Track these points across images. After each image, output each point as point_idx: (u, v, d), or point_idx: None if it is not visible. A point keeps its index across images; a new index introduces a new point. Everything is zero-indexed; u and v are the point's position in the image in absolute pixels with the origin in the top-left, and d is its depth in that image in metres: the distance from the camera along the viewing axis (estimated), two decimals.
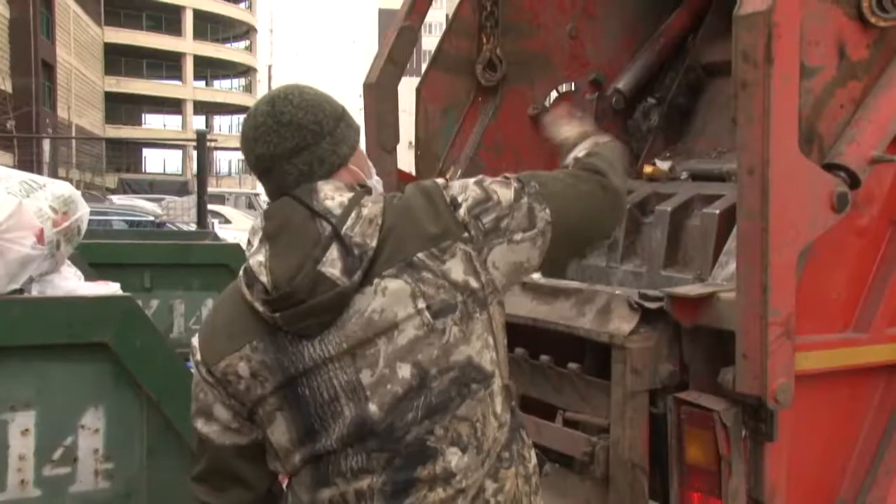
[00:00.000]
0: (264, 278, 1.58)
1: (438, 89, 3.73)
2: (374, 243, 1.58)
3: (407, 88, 3.46)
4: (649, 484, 2.43)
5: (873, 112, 2.24)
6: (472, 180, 1.72)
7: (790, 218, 2.09)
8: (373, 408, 1.58)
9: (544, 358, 2.64)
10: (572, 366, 2.55)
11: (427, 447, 1.59)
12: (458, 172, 3.73)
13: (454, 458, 1.60)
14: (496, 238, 1.65)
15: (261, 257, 1.60)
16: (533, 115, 3.83)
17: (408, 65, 3.69)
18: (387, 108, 3.53)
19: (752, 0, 2.07)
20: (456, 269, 1.61)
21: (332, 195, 1.62)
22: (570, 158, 2.04)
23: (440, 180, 1.73)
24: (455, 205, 1.65)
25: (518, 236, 1.67)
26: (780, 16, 2.02)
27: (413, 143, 3.71)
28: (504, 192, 1.69)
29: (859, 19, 2.27)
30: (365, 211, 1.60)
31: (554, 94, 3.98)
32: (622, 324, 2.36)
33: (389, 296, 1.57)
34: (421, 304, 1.58)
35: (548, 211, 1.70)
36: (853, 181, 2.20)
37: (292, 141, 1.64)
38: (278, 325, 1.59)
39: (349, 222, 1.58)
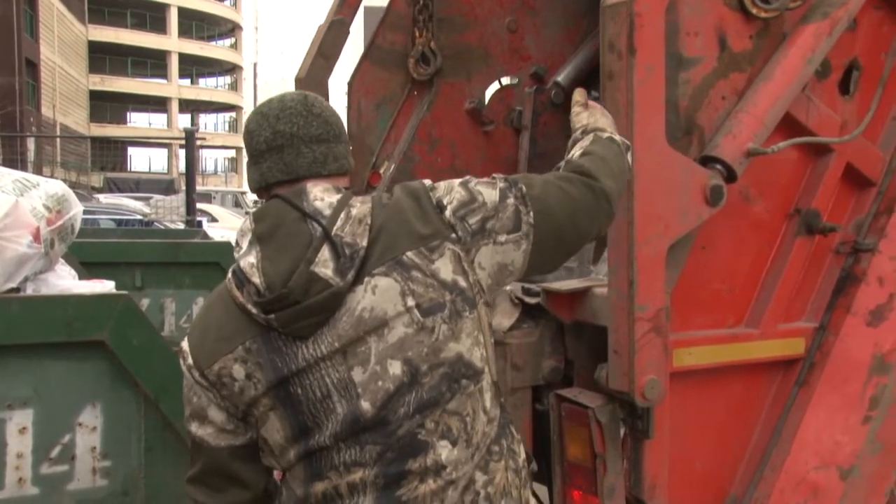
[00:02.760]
0: (257, 280, 1.60)
1: (371, 83, 3.71)
2: (364, 242, 1.60)
3: None
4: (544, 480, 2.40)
5: (751, 104, 2.20)
6: (457, 181, 1.74)
7: (658, 211, 2.06)
8: (365, 405, 1.60)
9: None
10: None
11: (418, 440, 1.62)
12: (392, 167, 3.71)
13: (444, 451, 1.62)
14: (482, 239, 1.67)
15: (252, 259, 1.62)
16: (469, 109, 3.80)
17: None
18: None
19: None
20: (445, 268, 1.63)
21: (321, 196, 1.64)
22: (568, 155, 1.96)
23: (427, 181, 1.74)
24: (441, 207, 1.67)
25: (502, 238, 1.69)
26: (642, 6, 1.99)
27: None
28: (489, 193, 1.71)
29: (741, 10, 2.22)
30: (354, 211, 1.63)
31: (496, 86, 3.95)
32: (503, 319, 2.33)
33: (379, 294, 1.59)
34: (410, 302, 1.60)
35: (532, 214, 1.71)
36: (729, 174, 2.16)
37: (317, 130, 1.70)
38: (272, 326, 1.60)
39: (339, 223, 1.60)
